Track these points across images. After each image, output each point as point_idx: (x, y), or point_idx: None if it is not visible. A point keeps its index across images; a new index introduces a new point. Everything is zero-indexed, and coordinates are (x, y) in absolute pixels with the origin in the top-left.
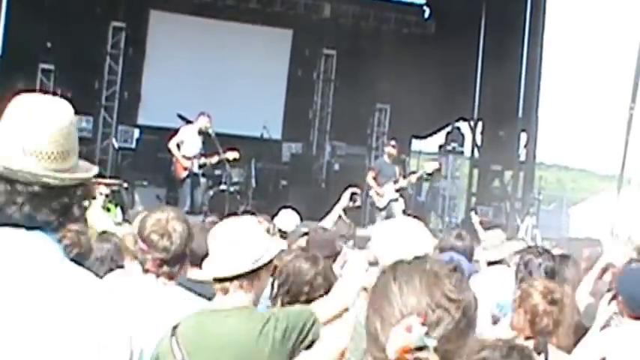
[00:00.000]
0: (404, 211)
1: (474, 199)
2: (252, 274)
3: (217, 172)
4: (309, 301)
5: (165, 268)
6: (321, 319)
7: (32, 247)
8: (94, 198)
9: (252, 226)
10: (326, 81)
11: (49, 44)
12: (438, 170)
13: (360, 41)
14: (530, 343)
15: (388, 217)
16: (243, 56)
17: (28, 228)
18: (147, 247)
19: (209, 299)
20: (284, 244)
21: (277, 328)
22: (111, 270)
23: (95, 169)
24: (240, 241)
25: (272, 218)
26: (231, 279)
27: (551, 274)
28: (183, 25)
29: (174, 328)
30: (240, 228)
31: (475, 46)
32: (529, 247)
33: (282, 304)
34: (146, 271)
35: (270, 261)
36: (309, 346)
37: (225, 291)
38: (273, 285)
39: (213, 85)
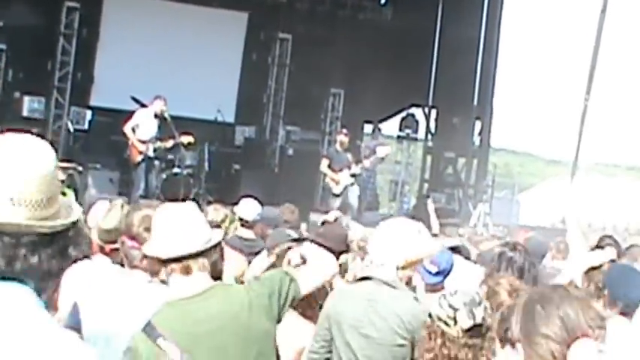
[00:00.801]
0: (359, 197)
1: (426, 186)
2: (208, 254)
3: (170, 155)
4: None
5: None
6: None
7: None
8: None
9: (196, 211)
10: (281, 65)
11: (0, 23)
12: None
13: (315, 26)
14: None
15: (344, 203)
16: (198, 39)
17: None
18: (138, 244)
19: None
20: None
21: (260, 296)
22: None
23: (78, 210)
24: (191, 222)
25: (226, 203)
26: (194, 256)
27: (521, 272)
28: (138, 7)
29: (150, 327)
30: (187, 212)
31: (431, 33)
32: (506, 242)
33: None
34: (133, 267)
35: (218, 244)
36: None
37: (188, 270)
38: None
39: (167, 67)
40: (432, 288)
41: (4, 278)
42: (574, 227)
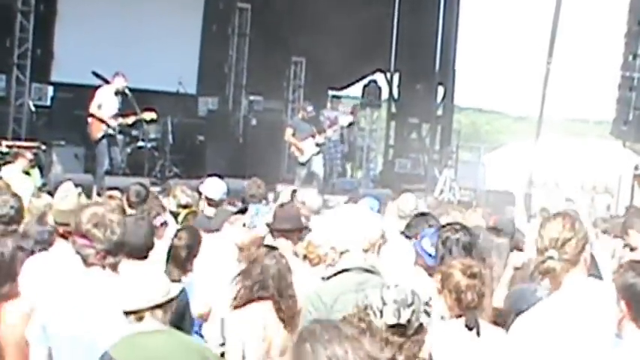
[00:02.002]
0: (324, 166)
1: (392, 151)
2: (163, 306)
3: (134, 130)
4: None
5: (109, 259)
6: None
7: None
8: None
9: (155, 266)
10: (241, 35)
11: None
12: (352, 124)
13: None
14: (461, 321)
15: (309, 172)
16: (157, 11)
17: None
18: (88, 241)
19: None
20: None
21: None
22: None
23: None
24: (149, 275)
25: (191, 176)
26: (147, 310)
27: (469, 249)
28: None
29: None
30: (149, 266)
31: None
32: (445, 225)
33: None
34: (90, 264)
35: (173, 299)
36: None
37: (140, 318)
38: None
39: (126, 40)
40: (430, 270)
41: None
42: (520, 204)
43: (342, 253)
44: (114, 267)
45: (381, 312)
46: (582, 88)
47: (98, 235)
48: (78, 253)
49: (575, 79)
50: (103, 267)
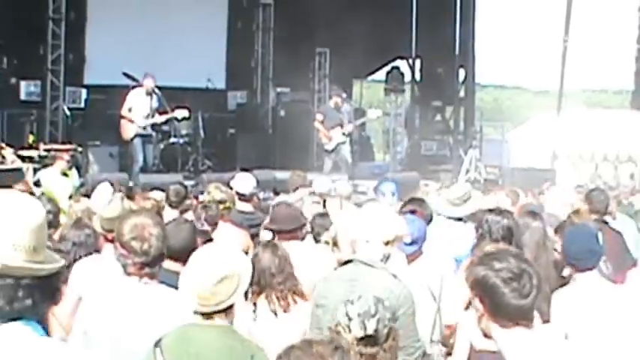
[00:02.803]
0: (351, 152)
1: (417, 135)
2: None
3: (166, 127)
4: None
5: (146, 270)
6: None
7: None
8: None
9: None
10: (265, 30)
11: None
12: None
13: None
14: None
15: (337, 159)
16: (183, 10)
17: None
18: (127, 252)
19: None
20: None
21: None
22: (89, 254)
23: (61, 261)
24: (220, 274)
25: (224, 169)
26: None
27: (509, 234)
28: None
29: (159, 340)
30: (218, 258)
31: None
32: (489, 209)
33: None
34: (128, 273)
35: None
36: None
37: (208, 317)
38: None
39: (155, 41)
40: (412, 257)
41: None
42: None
43: (361, 243)
44: (152, 276)
45: (349, 327)
46: (600, 61)
47: (136, 248)
48: (118, 260)
49: (593, 52)
50: (140, 277)
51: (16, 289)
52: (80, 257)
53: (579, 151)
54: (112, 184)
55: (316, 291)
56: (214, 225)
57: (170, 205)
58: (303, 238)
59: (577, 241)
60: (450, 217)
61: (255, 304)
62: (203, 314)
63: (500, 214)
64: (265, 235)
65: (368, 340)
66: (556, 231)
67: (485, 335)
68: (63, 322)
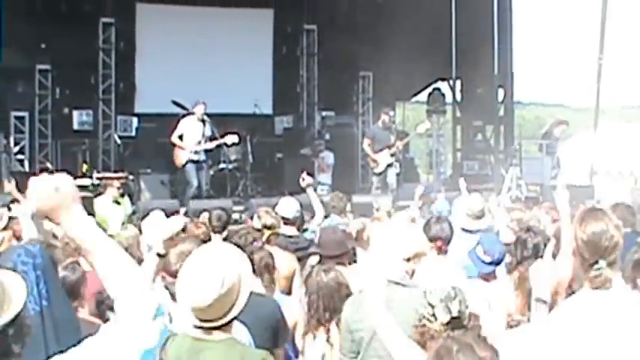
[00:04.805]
0: (397, 175)
1: (459, 155)
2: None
3: (216, 153)
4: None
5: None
6: None
7: None
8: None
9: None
10: (309, 55)
11: (43, 45)
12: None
13: (338, 14)
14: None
15: (384, 182)
16: (229, 38)
17: None
18: (175, 280)
19: None
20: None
21: None
22: None
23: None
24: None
25: (273, 193)
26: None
27: (537, 249)
28: (169, 14)
29: (165, 342)
30: (215, 264)
31: (448, 7)
32: (523, 228)
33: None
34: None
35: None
36: None
37: (209, 332)
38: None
39: (203, 68)
40: (485, 276)
41: None
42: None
43: (383, 261)
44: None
45: (434, 315)
46: (636, 76)
47: None
48: (166, 288)
49: (628, 68)
50: None
51: None
52: None
53: (618, 167)
54: (163, 211)
55: (347, 315)
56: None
57: (213, 231)
58: (350, 263)
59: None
60: (465, 230)
61: (329, 329)
62: (203, 328)
63: (531, 232)
64: (312, 260)
65: (455, 322)
66: None
67: None
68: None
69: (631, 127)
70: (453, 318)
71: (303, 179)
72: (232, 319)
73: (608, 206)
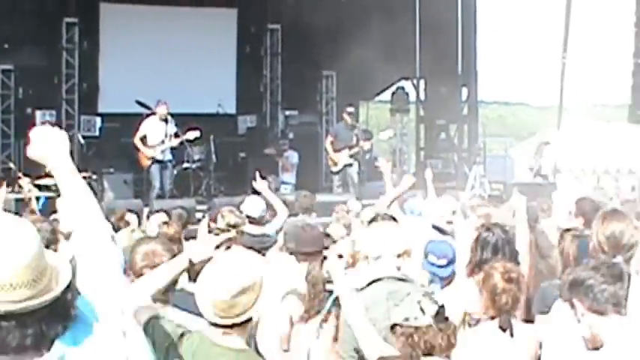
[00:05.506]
0: (358, 173)
1: (422, 153)
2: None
3: (179, 152)
4: None
5: (159, 296)
6: None
7: None
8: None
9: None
10: (273, 54)
11: (6, 45)
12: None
13: (302, 13)
14: (495, 323)
15: (344, 181)
16: (193, 38)
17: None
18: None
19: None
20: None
21: None
22: None
23: (62, 285)
24: (242, 283)
25: (236, 192)
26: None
27: (501, 248)
28: (133, 14)
29: (181, 336)
30: (240, 266)
31: (412, 7)
32: (482, 225)
33: None
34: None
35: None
36: None
37: (227, 334)
38: None
39: (166, 68)
40: (449, 280)
41: None
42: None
43: (375, 258)
44: (164, 302)
45: (421, 309)
46: (599, 76)
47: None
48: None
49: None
50: (154, 301)
51: (22, 327)
52: None
53: (581, 164)
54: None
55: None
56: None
57: None
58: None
59: None
60: (438, 230)
61: (324, 320)
62: (221, 326)
63: (490, 231)
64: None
65: (440, 315)
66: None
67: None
68: None
69: (594, 126)
70: (440, 308)
71: (256, 181)
72: (249, 320)
73: (572, 203)
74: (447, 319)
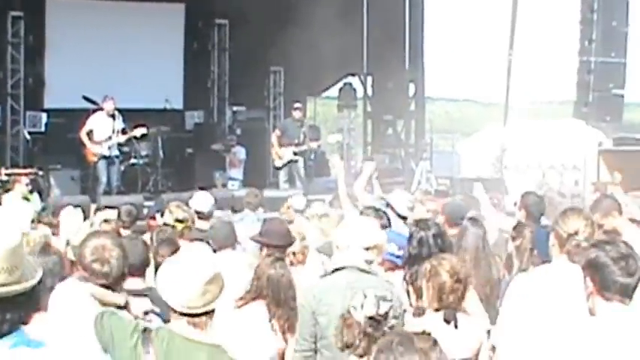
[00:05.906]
0: (304, 168)
1: (370, 149)
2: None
3: (126, 148)
4: None
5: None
6: None
7: None
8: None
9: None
10: (221, 50)
11: None
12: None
13: (249, 8)
14: (440, 315)
15: (289, 177)
16: (140, 33)
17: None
18: (89, 274)
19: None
20: None
21: None
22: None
23: (39, 271)
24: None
25: (183, 188)
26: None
27: (439, 244)
28: (79, 8)
29: (144, 331)
30: (204, 258)
31: (359, 2)
32: (418, 221)
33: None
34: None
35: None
36: None
37: (198, 325)
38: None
39: (113, 63)
40: (397, 267)
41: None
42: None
43: (344, 248)
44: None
45: (362, 305)
46: (544, 73)
47: (97, 271)
48: (81, 282)
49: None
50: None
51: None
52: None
53: (526, 160)
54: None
55: (312, 300)
56: (174, 245)
57: (122, 226)
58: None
59: None
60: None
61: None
62: (191, 315)
63: (431, 228)
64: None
65: (375, 322)
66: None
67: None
68: None
69: (539, 123)
70: (378, 315)
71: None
72: (213, 311)
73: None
74: (383, 331)
